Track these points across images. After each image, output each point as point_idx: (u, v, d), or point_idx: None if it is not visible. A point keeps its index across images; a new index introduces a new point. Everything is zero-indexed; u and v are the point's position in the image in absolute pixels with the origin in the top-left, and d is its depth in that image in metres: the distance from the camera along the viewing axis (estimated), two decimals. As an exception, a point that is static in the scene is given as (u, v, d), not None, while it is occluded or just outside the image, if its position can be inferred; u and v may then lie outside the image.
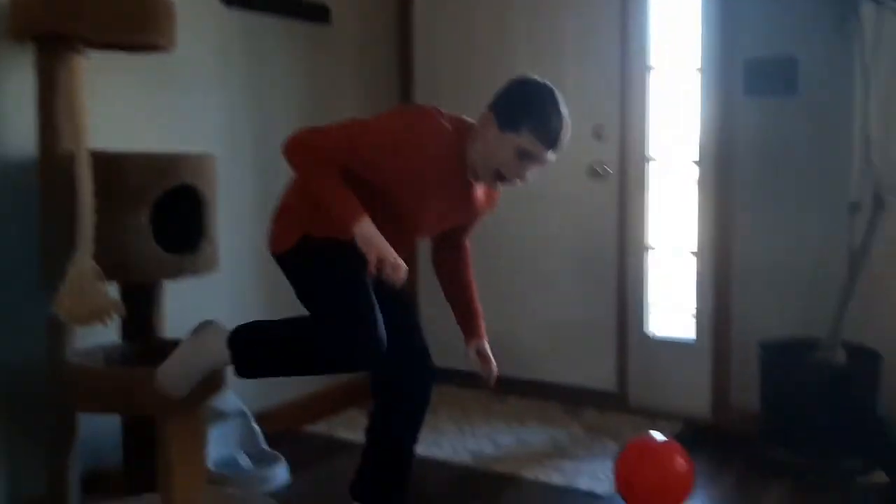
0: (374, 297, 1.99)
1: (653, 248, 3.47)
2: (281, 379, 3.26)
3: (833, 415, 2.76)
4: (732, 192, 3.22)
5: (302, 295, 2.11)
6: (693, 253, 3.36)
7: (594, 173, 3.47)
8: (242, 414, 2.82)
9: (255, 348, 2.04)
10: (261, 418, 3.14)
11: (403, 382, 2.26)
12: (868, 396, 2.78)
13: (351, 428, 3.24)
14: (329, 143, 2.01)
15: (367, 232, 1.93)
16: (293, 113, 3.34)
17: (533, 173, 2.00)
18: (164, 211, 2.35)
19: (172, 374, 2.05)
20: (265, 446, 2.87)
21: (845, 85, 2.88)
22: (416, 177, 2.00)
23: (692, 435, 3.16)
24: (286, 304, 3.25)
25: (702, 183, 3.31)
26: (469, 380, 3.82)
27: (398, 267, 1.92)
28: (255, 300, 3.20)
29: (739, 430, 3.09)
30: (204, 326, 2.08)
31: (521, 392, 3.66)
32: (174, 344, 2.27)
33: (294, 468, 2.80)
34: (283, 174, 3.27)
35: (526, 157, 1.95)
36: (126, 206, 2.24)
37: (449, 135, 2.00)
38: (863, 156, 2.74)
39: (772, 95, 3.09)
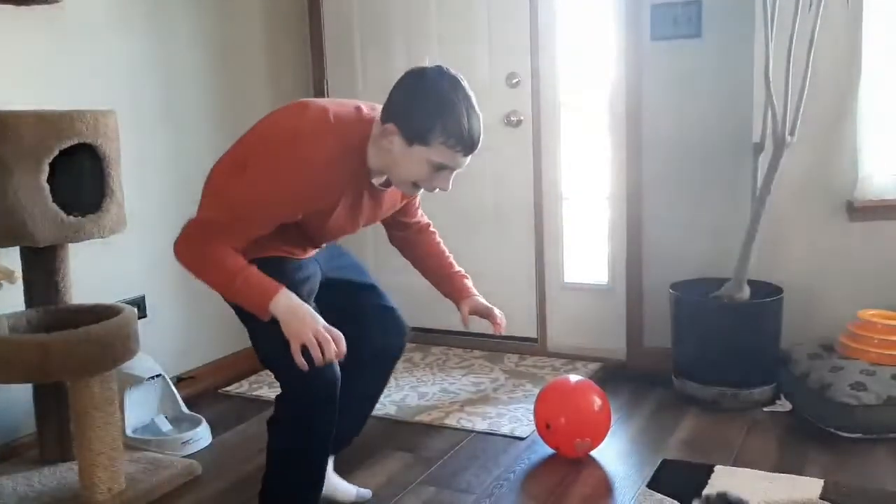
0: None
1: (567, 199, 3.52)
2: (197, 340, 3.24)
3: (739, 348, 2.88)
4: (642, 139, 3.28)
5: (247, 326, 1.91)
6: (606, 199, 3.42)
7: (509, 122, 3.48)
8: (160, 377, 2.77)
9: (280, 496, 1.88)
10: (179, 381, 3.09)
11: (380, 341, 2.11)
12: (772, 329, 2.91)
13: (269, 387, 3.22)
14: (215, 228, 1.74)
15: (285, 307, 1.70)
16: (199, 63, 3.23)
17: (452, 178, 1.80)
18: (64, 171, 2.26)
19: None
20: (185, 409, 2.83)
21: (747, 28, 2.96)
22: (317, 208, 1.79)
23: (609, 374, 3.26)
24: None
25: (612, 129, 3.36)
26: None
27: (330, 341, 1.68)
28: (165, 259, 3.09)
29: (653, 368, 3.20)
30: None
31: (443, 343, 3.70)
32: (84, 310, 2.20)
33: (215, 429, 2.77)
34: (192, 128, 3.20)
35: (442, 168, 1.73)
36: (21, 167, 2.14)
37: (343, 154, 1.74)
38: (765, 97, 2.82)
39: (677, 39, 3.14)
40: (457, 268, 2.19)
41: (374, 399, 2.23)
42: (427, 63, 1.75)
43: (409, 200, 2.07)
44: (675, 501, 2.13)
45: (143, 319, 2.95)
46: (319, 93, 3.84)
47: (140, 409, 2.74)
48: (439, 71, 1.72)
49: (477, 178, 3.62)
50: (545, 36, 3.42)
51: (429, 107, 1.68)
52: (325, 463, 1.89)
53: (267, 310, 1.71)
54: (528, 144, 3.48)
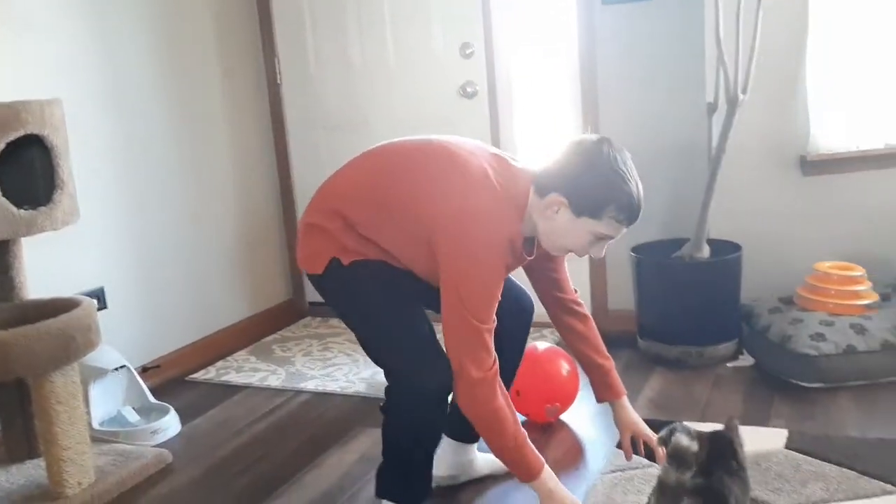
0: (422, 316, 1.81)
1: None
2: (160, 329, 3.20)
3: (702, 307, 2.92)
4: (598, 104, 3.28)
5: (352, 327, 1.88)
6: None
7: (464, 94, 3.47)
8: (124, 368, 2.73)
9: (395, 481, 1.88)
10: (145, 371, 3.06)
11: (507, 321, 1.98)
12: (732, 286, 2.96)
13: (237, 372, 3.20)
14: (484, 353, 1.70)
15: (547, 490, 1.76)
16: (144, 46, 3.16)
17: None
18: (12, 164, 2.20)
19: None
20: (152, 399, 2.80)
21: (697, -12, 2.98)
22: None
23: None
24: (153, 248, 3.18)
25: (567, 96, 3.36)
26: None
27: None
28: (122, 247, 3.08)
29: (619, 331, 3.23)
30: None
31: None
32: (42, 304, 2.16)
33: (184, 417, 2.75)
34: (140, 113, 3.14)
35: (604, 238, 1.75)
36: (-35, 161, 2.09)
37: (514, 235, 1.75)
38: (716, 57, 2.84)
39: (629, 3, 3.14)
40: (608, 355, 2.13)
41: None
42: (589, 133, 1.79)
43: (557, 260, 2.02)
44: (645, 459, 2.16)
45: (103, 311, 2.90)
46: (271, 70, 3.79)
47: (106, 402, 2.71)
48: (608, 143, 1.72)
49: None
50: (497, 5, 3.40)
51: (603, 182, 1.69)
52: (433, 452, 1.88)
53: (528, 481, 1.77)
54: (484, 115, 3.47)
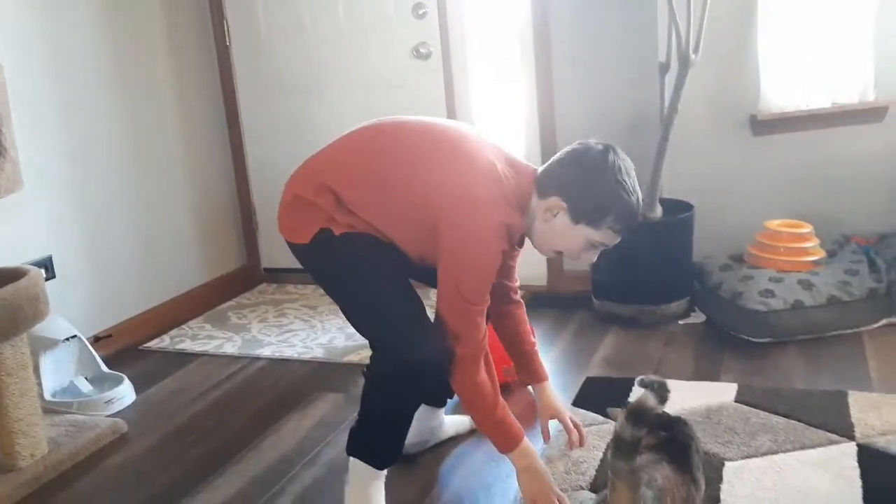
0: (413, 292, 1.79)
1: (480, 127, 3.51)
2: (111, 297, 3.15)
3: (655, 265, 2.96)
4: (551, 64, 3.28)
5: (338, 296, 1.85)
6: (520, 126, 3.43)
7: (418, 55, 3.43)
8: (75, 338, 2.68)
9: (368, 443, 1.83)
10: (97, 341, 3.01)
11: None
12: (684, 245, 3.00)
13: (192, 340, 3.17)
14: (476, 332, 1.72)
15: (525, 464, 1.78)
16: (88, 10, 3.06)
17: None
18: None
19: None
20: (105, 368, 2.76)
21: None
22: None
23: (532, 301, 3.31)
24: (102, 216, 3.12)
25: (521, 55, 3.35)
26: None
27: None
28: (70, 215, 3.01)
29: (574, 292, 3.27)
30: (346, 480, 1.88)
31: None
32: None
33: (138, 386, 2.72)
34: (83, 80, 3.05)
35: (598, 246, 1.76)
36: None
37: (514, 226, 1.74)
38: (668, 17, 2.85)
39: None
40: (533, 341, 2.14)
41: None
42: (593, 141, 1.74)
43: (516, 254, 2.00)
44: (599, 416, 2.20)
45: (51, 280, 2.84)
46: (220, 34, 3.70)
47: (58, 372, 2.66)
48: (614, 153, 1.71)
49: (388, 111, 3.57)
50: (449, -36, 3.35)
51: (605, 194, 1.68)
52: (412, 419, 1.85)
53: (507, 451, 1.78)
54: (438, 76, 3.44)
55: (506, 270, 2.01)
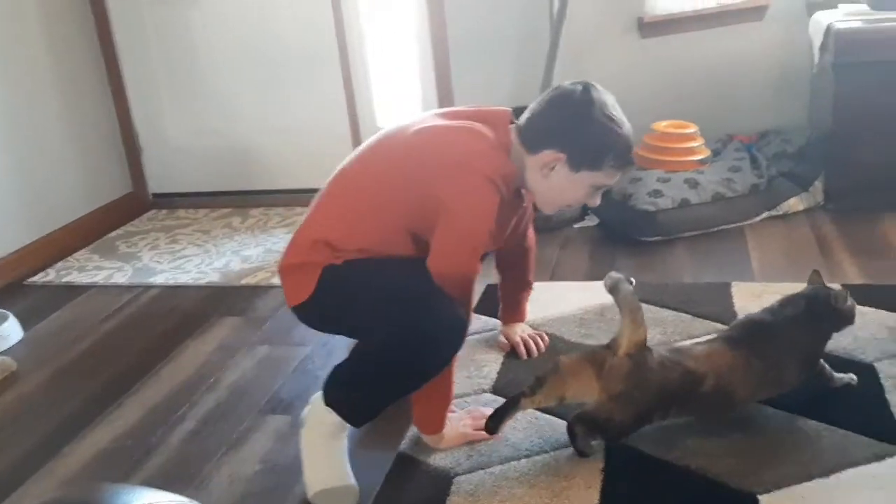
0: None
1: (370, 40, 3.42)
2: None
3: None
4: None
5: (350, 326, 1.73)
6: (412, 41, 3.36)
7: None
8: (-51, 277, 2.53)
9: (354, 393, 1.63)
10: (-25, 279, 2.86)
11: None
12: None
13: (80, 272, 3.04)
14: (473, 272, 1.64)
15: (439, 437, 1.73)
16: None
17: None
18: None
19: (321, 480, 1.62)
20: (-13, 306, 2.63)
21: None
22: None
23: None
24: (41, 193, 2.90)
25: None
26: (208, 199, 3.72)
27: (480, 419, 1.73)
28: (10, 204, 2.79)
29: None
30: (301, 421, 1.68)
31: (263, 203, 3.61)
32: None
33: (26, 322, 2.60)
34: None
35: (602, 188, 1.70)
36: None
37: (507, 175, 1.65)
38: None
39: None
40: (530, 287, 2.12)
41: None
42: (571, 81, 1.66)
43: (524, 213, 1.93)
44: (497, 320, 2.24)
45: (-83, 217, 2.66)
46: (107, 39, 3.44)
47: (-66, 314, 2.52)
48: (595, 89, 1.63)
49: (278, 29, 3.44)
50: None
51: (600, 132, 1.61)
52: (423, 376, 1.66)
53: (429, 433, 1.73)
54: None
55: (520, 236, 1.99)
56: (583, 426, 1.63)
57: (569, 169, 1.65)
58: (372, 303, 1.62)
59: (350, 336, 1.85)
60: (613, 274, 1.59)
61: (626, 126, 1.65)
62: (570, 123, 1.63)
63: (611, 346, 1.61)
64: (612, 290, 1.59)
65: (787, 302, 1.72)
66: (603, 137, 1.62)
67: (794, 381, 1.68)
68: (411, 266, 1.63)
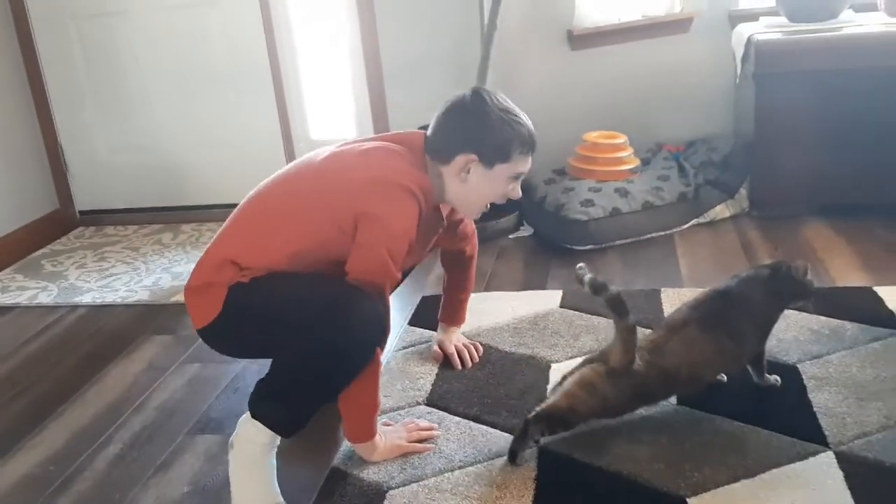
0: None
1: (302, 53, 3.40)
2: None
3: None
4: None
5: (262, 344, 1.68)
6: (345, 56, 3.35)
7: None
8: None
9: (281, 402, 1.60)
10: None
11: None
12: (510, 161, 3.06)
13: (2, 293, 2.94)
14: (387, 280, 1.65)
15: (369, 446, 1.72)
16: None
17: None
18: None
19: (248, 501, 1.60)
20: None
21: None
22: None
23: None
24: None
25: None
26: (138, 215, 3.64)
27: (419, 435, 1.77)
28: None
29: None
30: (231, 444, 1.62)
31: (196, 219, 3.55)
32: None
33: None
34: None
35: (519, 176, 1.78)
36: None
37: (425, 188, 1.69)
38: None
39: None
40: (469, 291, 2.19)
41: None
42: (463, 91, 1.76)
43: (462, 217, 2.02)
44: (432, 332, 2.24)
45: None
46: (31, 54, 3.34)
47: None
48: (486, 91, 1.75)
49: (206, 40, 3.39)
50: None
51: (498, 125, 1.71)
52: (349, 375, 1.64)
53: (358, 441, 1.72)
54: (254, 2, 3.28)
55: (460, 237, 2.06)
56: (541, 425, 1.64)
57: (483, 167, 1.74)
58: (284, 312, 1.60)
59: (261, 356, 1.81)
60: (589, 276, 1.64)
61: (522, 115, 1.76)
62: (473, 125, 1.73)
63: (602, 359, 1.70)
64: (596, 292, 1.65)
65: (751, 271, 1.80)
66: (505, 130, 1.72)
67: (749, 352, 1.76)
68: (321, 276, 1.63)
